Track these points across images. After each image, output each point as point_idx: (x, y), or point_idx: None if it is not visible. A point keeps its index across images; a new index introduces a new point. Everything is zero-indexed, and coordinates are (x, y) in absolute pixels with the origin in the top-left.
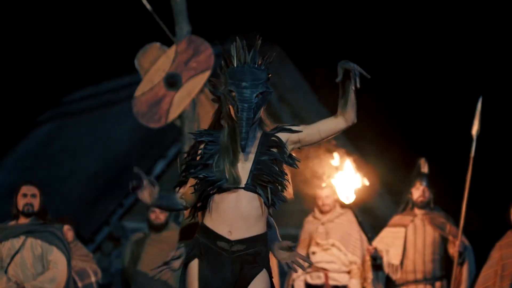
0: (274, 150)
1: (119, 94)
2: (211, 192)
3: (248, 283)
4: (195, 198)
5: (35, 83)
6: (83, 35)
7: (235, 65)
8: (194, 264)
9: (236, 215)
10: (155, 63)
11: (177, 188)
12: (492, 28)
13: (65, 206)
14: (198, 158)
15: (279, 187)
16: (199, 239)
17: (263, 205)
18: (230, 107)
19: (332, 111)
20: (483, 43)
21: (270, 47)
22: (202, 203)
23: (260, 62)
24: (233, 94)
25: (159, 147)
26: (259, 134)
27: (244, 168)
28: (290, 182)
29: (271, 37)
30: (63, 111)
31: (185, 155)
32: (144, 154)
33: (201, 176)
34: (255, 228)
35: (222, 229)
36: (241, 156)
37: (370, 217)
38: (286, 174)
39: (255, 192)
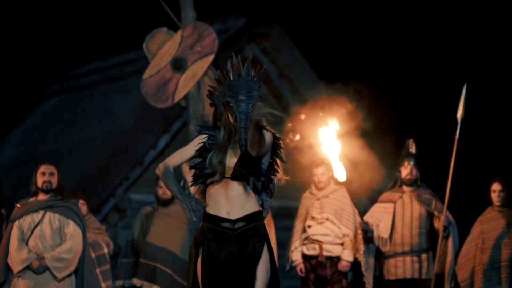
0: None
1: (124, 69)
2: (204, 182)
3: (253, 255)
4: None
5: (42, 57)
6: (91, 11)
7: (231, 78)
8: (200, 251)
9: (230, 197)
10: (162, 47)
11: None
12: (476, 19)
13: (72, 179)
14: (200, 149)
15: (261, 177)
16: (203, 226)
17: (251, 190)
18: (229, 115)
19: (330, 86)
20: (468, 33)
21: (270, 25)
22: (201, 189)
23: (253, 74)
24: (231, 105)
25: (163, 121)
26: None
27: (231, 162)
28: (280, 170)
29: (271, 15)
30: (70, 85)
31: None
32: (148, 128)
33: (197, 167)
34: (248, 206)
35: (221, 212)
36: (231, 151)
37: (367, 189)
38: (273, 165)
39: (245, 181)
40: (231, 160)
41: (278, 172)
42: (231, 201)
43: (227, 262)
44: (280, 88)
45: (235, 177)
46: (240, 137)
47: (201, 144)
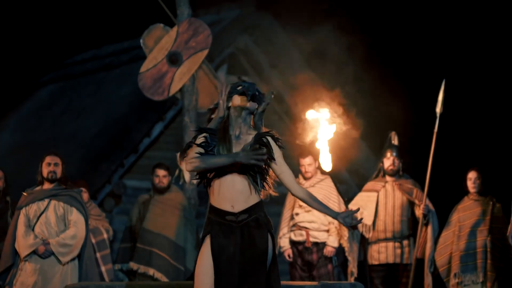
0: (264, 148)
1: (119, 58)
2: (214, 174)
3: (256, 244)
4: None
5: (38, 45)
6: (87, 1)
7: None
8: (207, 240)
9: (234, 191)
10: (159, 42)
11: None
12: (454, 19)
13: (69, 166)
14: (201, 146)
15: (264, 176)
16: (211, 218)
17: (253, 182)
18: (234, 97)
19: (320, 75)
20: (447, 32)
21: (263, 15)
22: (207, 182)
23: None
24: (239, 88)
25: (158, 110)
26: (253, 133)
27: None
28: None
29: (264, 5)
30: (66, 73)
31: (191, 142)
32: (143, 116)
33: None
34: (251, 199)
35: (225, 206)
36: (238, 145)
37: (356, 176)
38: (269, 169)
39: (246, 175)
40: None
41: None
42: (237, 194)
43: (233, 253)
44: (271, 77)
45: (243, 172)
46: (244, 85)
47: (203, 139)
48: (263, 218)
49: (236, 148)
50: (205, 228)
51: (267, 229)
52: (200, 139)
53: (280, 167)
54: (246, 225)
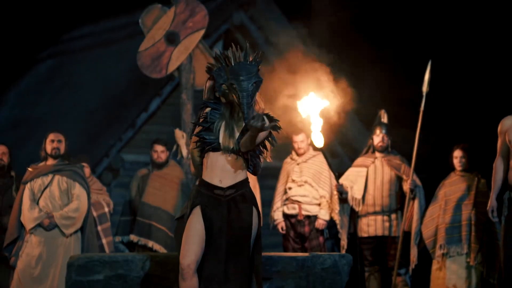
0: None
1: (117, 34)
2: (207, 149)
3: (241, 218)
4: (197, 154)
5: (35, 21)
6: None
7: (233, 64)
8: (198, 209)
9: (223, 168)
10: (157, 22)
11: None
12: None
13: (67, 140)
14: (202, 120)
15: (256, 154)
16: (200, 190)
17: (243, 161)
18: (234, 95)
19: (313, 52)
20: (434, 13)
21: None
22: (201, 159)
23: (251, 59)
24: (234, 86)
25: (155, 85)
26: (251, 112)
27: (233, 136)
28: (268, 150)
29: None
30: (64, 49)
31: (197, 116)
32: (140, 91)
33: (202, 136)
34: (238, 176)
35: (214, 180)
36: (234, 126)
37: (350, 150)
38: (264, 146)
39: (233, 153)
40: (234, 134)
41: (265, 152)
42: (225, 171)
43: (221, 226)
44: (267, 53)
45: (232, 150)
46: (243, 112)
47: (204, 115)
48: (248, 193)
49: (233, 129)
50: (194, 199)
51: (252, 203)
52: (202, 115)
53: None
54: (232, 200)
